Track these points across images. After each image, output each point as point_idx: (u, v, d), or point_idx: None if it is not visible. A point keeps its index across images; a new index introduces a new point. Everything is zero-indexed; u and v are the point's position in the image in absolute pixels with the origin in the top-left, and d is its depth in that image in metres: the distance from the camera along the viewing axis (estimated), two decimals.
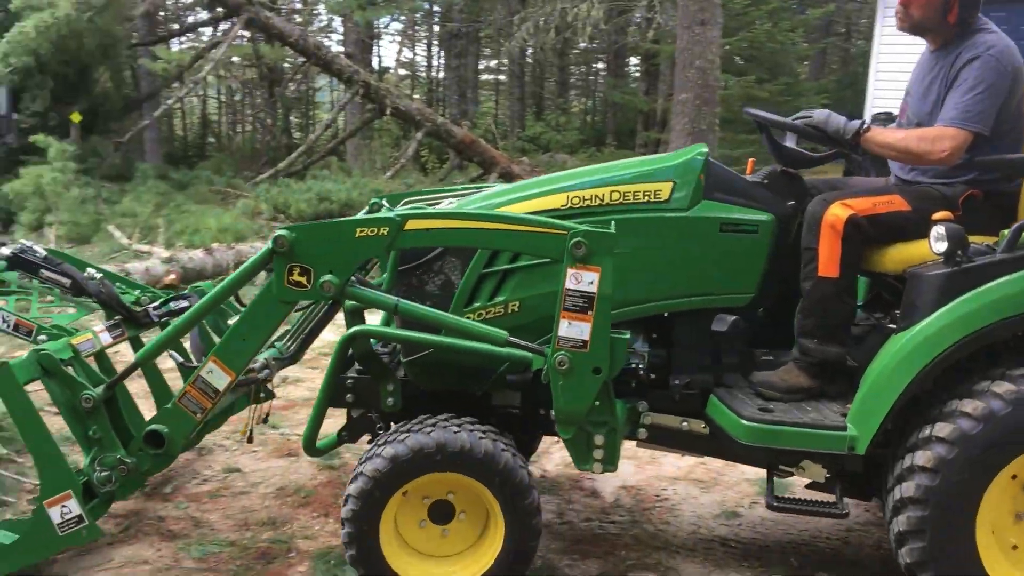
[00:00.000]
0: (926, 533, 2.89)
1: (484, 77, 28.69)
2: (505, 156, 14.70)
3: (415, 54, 29.64)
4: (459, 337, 3.11)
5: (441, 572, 3.18)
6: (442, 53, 26.75)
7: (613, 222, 3.09)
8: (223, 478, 4.42)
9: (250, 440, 3.92)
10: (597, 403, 3.02)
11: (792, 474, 3.26)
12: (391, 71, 23.89)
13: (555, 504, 4.21)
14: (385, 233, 2.98)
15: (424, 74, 29.96)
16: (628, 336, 2.99)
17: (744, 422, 3.07)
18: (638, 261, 3.24)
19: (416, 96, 23.94)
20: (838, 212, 3.14)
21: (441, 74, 27.77)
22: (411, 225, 2.99)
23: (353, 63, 14.50)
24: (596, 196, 3.29)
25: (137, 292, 4.21)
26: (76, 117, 12.63)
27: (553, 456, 4.73)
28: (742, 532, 3.96)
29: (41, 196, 10.64)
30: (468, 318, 3.24)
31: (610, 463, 3.16)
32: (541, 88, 27.65)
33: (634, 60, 24.82)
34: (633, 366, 3.31)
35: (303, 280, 3.01)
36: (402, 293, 3.36)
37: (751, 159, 3.88)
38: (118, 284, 4.19)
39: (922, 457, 2.89)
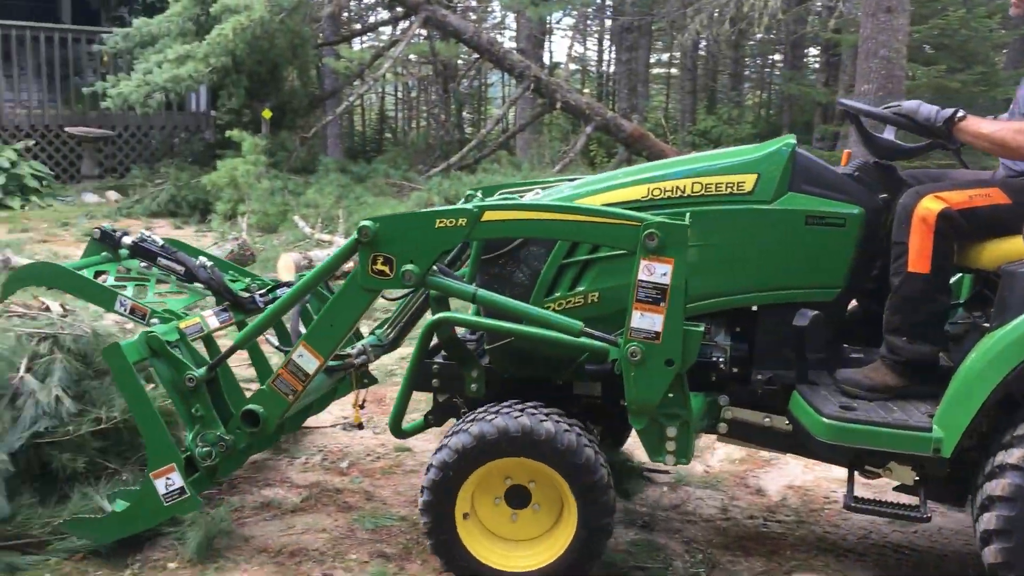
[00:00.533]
0: (1013, 533, 2.81)
1: (655, 71, 28.37)
2: (675, 150, 14.53)
3: (586, 49, 29.69)
4: (535, 327, 3.13)
5: (508, 554, 3.24)
6: (613, 47, 26.65)
7: (688, 214, 3.09)
8: (395, 456, 4.62)
9: (360, 427, 4.10)
10: (670, 395, 3.01)
11: (879, 475, 3.14)
12: (562, 66, 24.03)
13: (718, 500, 4.16)
14: (463, 224, 3.06)
15: (594, 69, 29.95)
16: (702, 329, 2.98)
17: (824, 419, 3.01)
18: (720, 253, 3.23)
19: (586, 91, 23.99)
20: (930, 205, 3.03)
21: (612, 68, 27.67)
22: (488, 216, 3.07)
23: (525, 58, 14.69)
24: (677, 188, 3.27)
25: (247, 279, 4.42)
26: (267, 114, 13.42)
27: (717, 451, 4.66)
28: (917, 540, 3.79)
29: (235, 187, 11.36)
30: (549, 308, 3.27)
31: (683, 456, 3.12)
32: (714, 81, 27.08)
33: (813, 51, 23.88)
34: (714, 359, 3.28)
35: (386, 269, 3.13)
36: (485, 282, 3.43)
37: (847, 151, 3.72)
38: (230, 272, 4.41)
39: (1015, 455, 2.81)
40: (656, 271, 2.86)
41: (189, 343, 3.56)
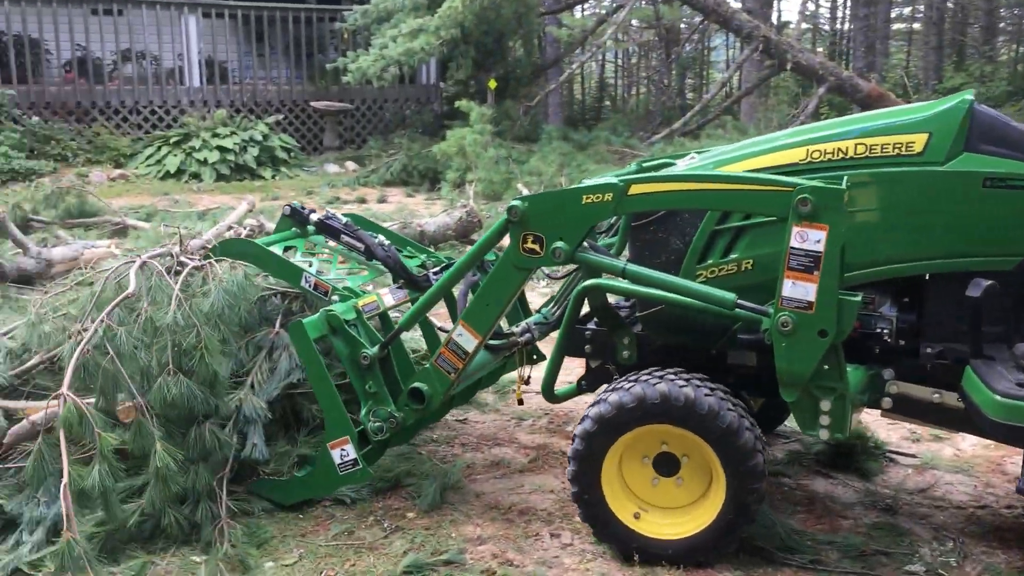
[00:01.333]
0: None
1: (896, 26, 26.48)
2: None
3: (818, 6, 28.15)
4: (665, 286, 3.07)
5: (658, 521, 3.21)
6: (848, 3, 25.11)
7: (846, 177, 2.91)
8: None
9: (520, 403, 4.09)
10: (825, 367, 2.87)
11: None
12: (792, 25, 22.94)
13: (971, 487, 3.86)
14: (609, 199, 3.03)
15: (827, 27, 28.36)
16: (859, 299, 2.83)
17: (996, 397, 2.78)
18: (886, 219, 3.05)
19: (819, 50, 22.77)
20: None
21: (847, 25, 26.10)
22: (634, 190, 3.02)
23: (753, 18, 14.13)
24: (839, 149, 3.09)
25: (423, 256, 4.42)
26: (493, 84, 13.73)
27: (968, 435, 4.32)
28: None
29: (463, 156, 11.73)
30: (701, 275, 3.21)
31: (838, 430, 2.96)
32: (963, 35, 24.90)
33: None
34: (878, 331, 3.11)
35: (536, 247, 3.14)
36: (636, 249, 3.39)
37: None
38: (408, 248, 4.43)
39: None
40: (809, 238, 2.75)
41: (365, 321, 3.63)
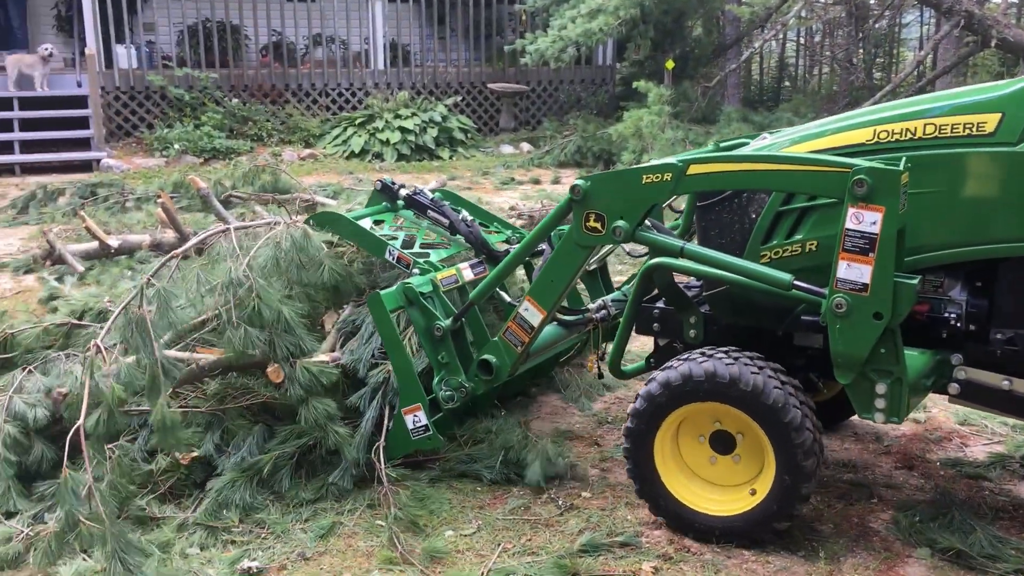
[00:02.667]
0: None
1: None
2: None
3: None
4: (738, 275, 3.08)
5: (710, 497, 3.25)
6: None
7: (905, 158, 2.86)
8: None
9: (600, 376, 4.16)
10: (882, 351, 2.85)
11: None
12: None
13: None
14: (668, 179, 3.08)
15: None
16: (916, 282, 2.81)
17: None
18: (954, 201, 2.99)
19: None
20: None
21: None
22: (693, 170, 3.05)
23: None
24: (907, 130, 3.04)
25: (509, 232, 4.48)
26: (670, 64, 13.51)
27: None
28: None
29: (639, 138, 11.61)
30: (765, 256, 3.21)
31: (894, 414, 2.94)
32: None
33: None
34: (946, 315, 3.08)
35: (598, 226, 3.21)
36: (702, 229, 3.44)
37: None
38: (495, 224, 4.48)
39: None
40: (865, 219, 2.74)
41: (441, 294, 3.73)
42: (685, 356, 3.21)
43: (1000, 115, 2.91)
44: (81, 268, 6.66)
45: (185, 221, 7.08)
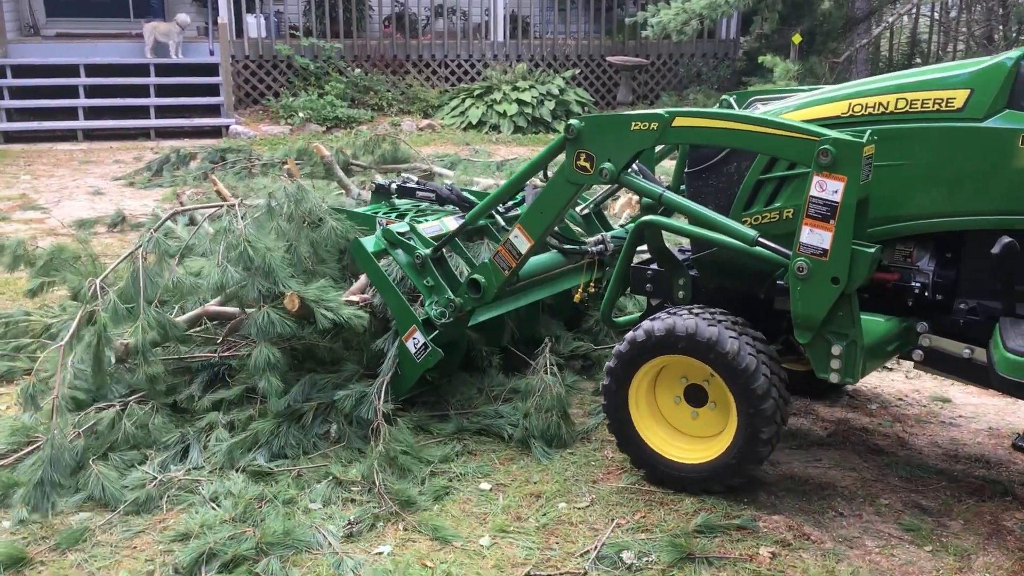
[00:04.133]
0: None
1: None
2: None
3: None
4: (713, 232, 3.23)
5: (678, 444, 3.45)
6: None
7: (870, 131, 2.94)
8: (930, 405, 4.29)
9: (585, 305, 4.50)
10: (840, 314, 2.97)
11: None
12: None
13: None
14: (655, 128, 3.24)
15: None
16: (874, 251, 2.90)
17: (1007, 353, 2.84)
18: (923, 174, 3.10)
19: None
20: None
21: None
22: (678, 122, 3.21)
23: None
24: (880, 104, 3.15)
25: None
26: (797, 38, 13.06)
27: None
28: None
29: None
30: (746, 221, 3.32)
31: (848, 375, 3.05)
32: None
33: None
34: (912, 284, 3.20)
35: (587, 165, 3.38)
36: (690, 194, 3.55)
37: None
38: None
39: None
40: (828, 188, 2.86)
41: (419, 232, 4.00)
42: (672, 311, 3.37)
43: (969, 91, 3.00)
44: (212, 230, 6.89)
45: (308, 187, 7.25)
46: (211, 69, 12.89)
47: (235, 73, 13.25)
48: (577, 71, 14.87)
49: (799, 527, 3.21)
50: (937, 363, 3.27)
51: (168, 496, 3.38)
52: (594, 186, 4.02)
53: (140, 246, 3.96)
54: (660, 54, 15.36)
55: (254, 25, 13.56)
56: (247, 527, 3.12)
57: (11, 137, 11.72)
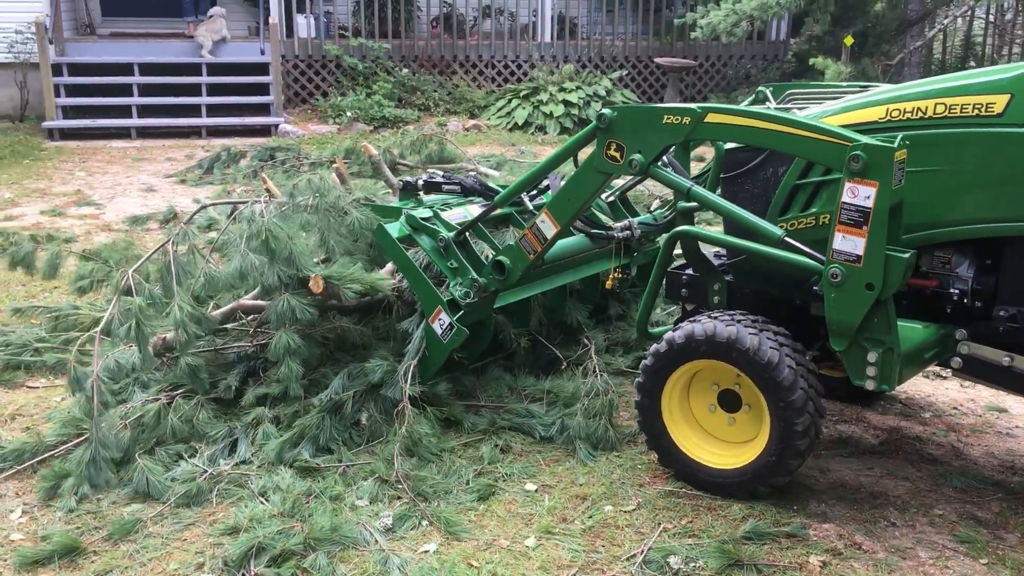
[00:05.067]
0: None
1: None
2: None
3: None
4: (747, 240, 3.24)
5: (719, 452, 3.43)
6: None
7: (900, 135, 2.92)
8: (986, 415, 4.20)
9: (616, 291, 4.57)
10: (875, 320, 2.95)
11: None
12: None
13: None
14: (687, 122, 3.22)
15: None
16: (908, 256, 2.89)
17: None
18: (964, 179, 3.05)
19: None
20: None
21: None
22: (711, 118, 3.19)
23: None
24: (918, 109, 3.12)
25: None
26: (848, 40, 12.86)
27: None
28: None
29: None
30: (781, 227, 3.25)
31: (885, 382, 3.02)
32: None
33: None
34: (951, 291, 3.17)
35: (617, 156, 3.38)
36: (726, 199, 3.45)
37: None
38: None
39: None
40: (860, 193, 2.85)
41: (441, 217, 4.08)
42: (693, 318, 3.39)
43: (1009, 96, 2.95)
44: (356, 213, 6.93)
45: (356, 186, 7.31)
46: (262, 68, 13.04)
47: (285, 73, 13.40)
48: (624, 72, 14.80)
49: (850, 536, 3.16)
50: (976, 371, 3.23)
51: (218, 490, 3.42)
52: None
53: (170, 239, 4.02)
54: (708, 55, 15.23)
55: (304, 25, 13.70)
56: (295, 522, 3.14)
57: (67, 134, 11.96)
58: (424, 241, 4.00)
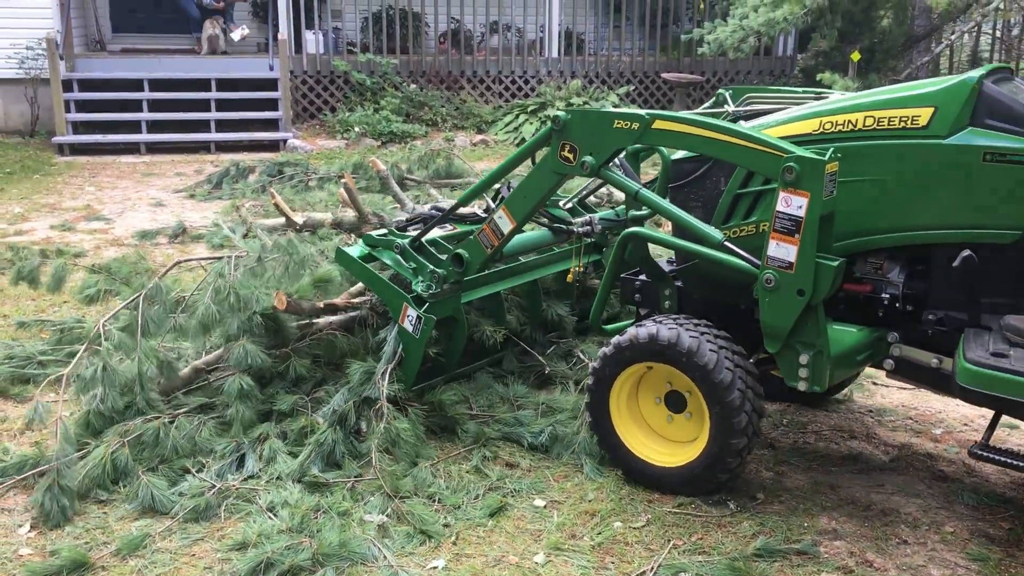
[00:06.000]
0: None
1: None
2: None
3: None
4: (684, 231, 3.40)
5: (656, 448, 3.56)
6: None
7: (832, 148, 3.05)
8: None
9: (577, 284, 4.71)
10: (807, 324, 3.08)
11: None
12: None
13: None
14: (636, 128, 3.36)
15: None
16: (836, 263, 3.00)
17: (966, 363, 2.92)
18: (891, 189, 3.18)
19: None
20: None
21: None
22: (658, 125, 3.33)
23: None
24: (849, 121, 3.24)
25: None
26: (856, 56, 12.87)
27: None
28: None
29: None
30: (724, 236, 3.33)
31: (816, 383, 3.16)
32: None
33: None
34: (882, 295, 3.28)
35: (571, 157, 3.50)
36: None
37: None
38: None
39: None
40: (793, 203, 2.97)
41: (395, 231, 4.25)
42: (639, 323, 3.49)
43: (933, 109, 3.08)
44: (270, 242, 7.00)
45: (364, 201, 7.32)
46: (270, 84, 13.10)
47: (293, 88, 13.46)
48: (631, 88, 14.83)
49: (861, 553, 3.14)
50: (907, 372, 3.35)
51: (226, 505, 3.42)
52: (577, 179, 4.25)
53: (141, 293, 4.18)
54: (716, 71, 15.26)
55: (312, 41, 13.77)
56: (303, 537, 3.13)
57: (77, 149, 12.02)
58: (384, 254, 4.19)
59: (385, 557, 3.10)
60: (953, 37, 13.81)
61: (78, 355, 3.95)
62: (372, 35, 14.26)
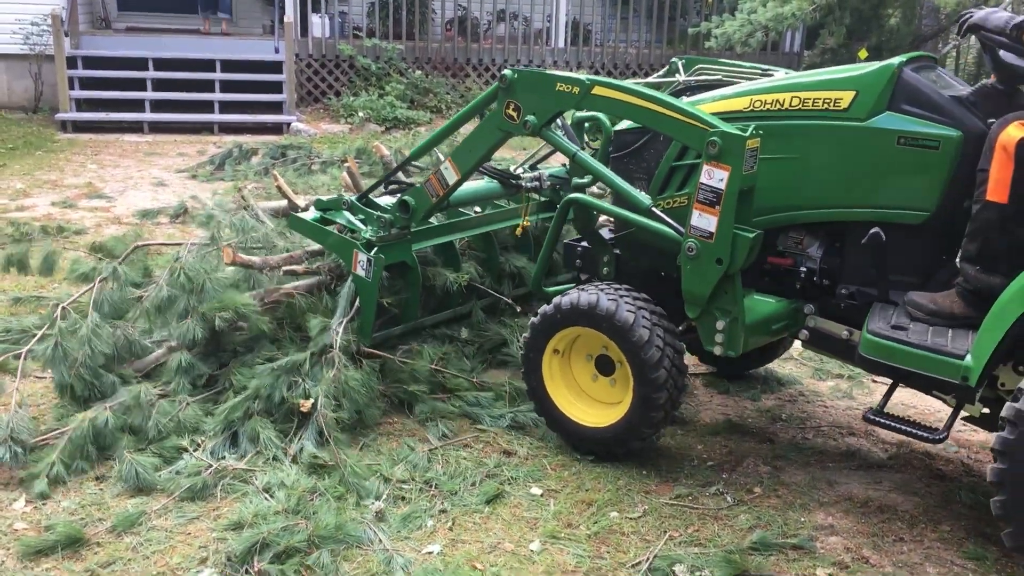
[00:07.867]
0: (1005, 487, 2.72)
1: None
2: None
3: None
4: (612, 189, 3.55)
5: (584, 409, 3.70)
6: None
7: (754, 125, 3.17)
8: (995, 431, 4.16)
9: (516, 235, 4.72)
10: (725, 292, 3.23)
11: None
12: None
13: None
14: (576, 92, 3.49)
15: None
16: (753, 235, 3.14)
17: (867, 335, 3.07)
18: (812, 167, 3.32)
19: None
20: (1013, 133, 2.87)
21: None
22: (597, 91, 3.45)
23: None
24: (777, 101, 3.37)
25: None
26: (863, 54, 12.83)
27: None
28: None
29: None
30: (659, 205, 3.50)
31: (731, 348, 3.32)
32: None
33: None
34: (799, 269, 3.44)
35: (515, 115, 3.64)
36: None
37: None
38: None
39: (1009, 409, 2.71)
40: (715, 176, 3.10)
41: (343, 195, 4.42)
42: (580, 288, 3.61)
43: (855, 93, 3.20)
44: (271, 224, 6.98)
45: (367, 185, 7.30)
46: (275, 67, 13.05)
47: (298, 71, 13.41)
48: (638, 79, 14.78)
49: (857, 549, 3.13)
50: (820, 343, 3.50)
51: (222, 485, 3.41)
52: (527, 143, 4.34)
53: (101, 276, 4.33)
54: None
55: (319, 25, 13.72)
56: (299, 519, 3.13)
57: (80, 127, 11.98)
58: (336, 216, 4.34)
59: (381, 541, 3.09)
60: (960, 38, 13.73)
61: (36, 336, 4.00)
62: (379, 20, 14.21)
